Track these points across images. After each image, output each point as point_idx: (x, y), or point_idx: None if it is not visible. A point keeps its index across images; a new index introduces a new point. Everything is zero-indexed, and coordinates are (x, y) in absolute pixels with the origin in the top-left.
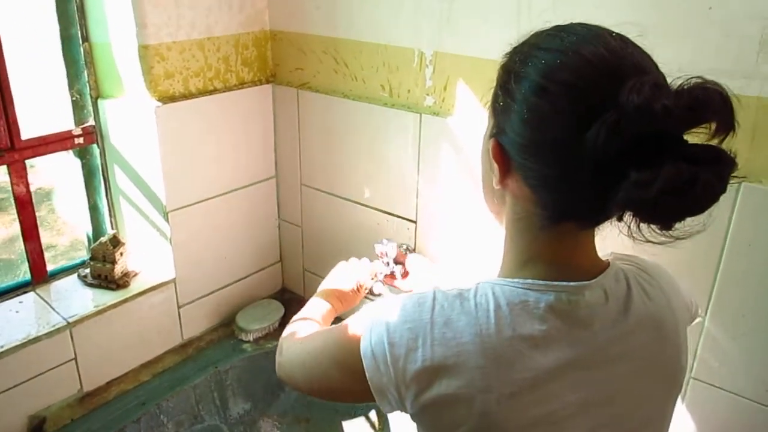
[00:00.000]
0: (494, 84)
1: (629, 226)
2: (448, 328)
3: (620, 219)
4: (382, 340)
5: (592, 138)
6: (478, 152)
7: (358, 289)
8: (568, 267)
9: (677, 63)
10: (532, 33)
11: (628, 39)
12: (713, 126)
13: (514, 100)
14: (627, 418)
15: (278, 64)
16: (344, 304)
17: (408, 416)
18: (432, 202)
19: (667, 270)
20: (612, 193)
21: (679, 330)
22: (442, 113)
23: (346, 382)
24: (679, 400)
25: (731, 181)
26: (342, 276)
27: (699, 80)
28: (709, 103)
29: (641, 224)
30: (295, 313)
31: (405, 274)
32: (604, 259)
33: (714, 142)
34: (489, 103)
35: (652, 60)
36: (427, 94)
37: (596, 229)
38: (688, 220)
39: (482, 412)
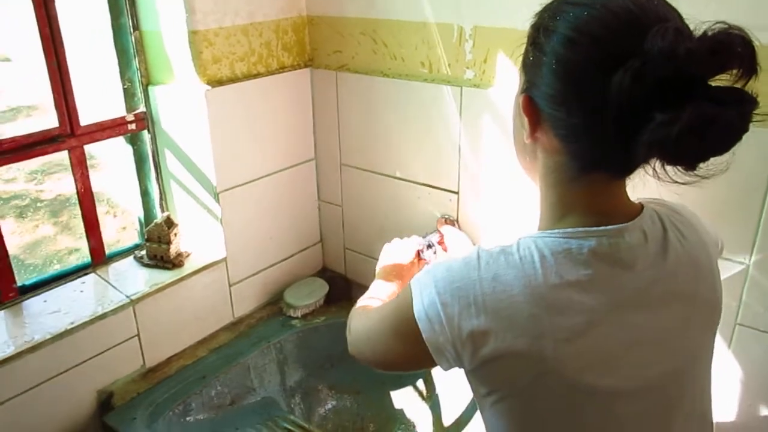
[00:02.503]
0: (526, 42)
1: (655, 169)
2: (497, 282)
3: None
4: (434, 301)
5: (617, 83)
6: None
7: (417, 258)
8: (604, 214)
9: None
10: None
11: None
12: (735, 72)
13: (544, 53)
14: (674, 356)
15: (316, 48)
16: (405, 279)
17: (460, 378)
18: (474, 172)
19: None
20: (638, 136)
21: (713, 265)
22: (482, 85)
23: (407, 350)
24: (725, 345)
25: (754, 119)
26: (394, 253)
27: (723, 25)
28: (732, 46)
29: (667, 167)
30: (338, 289)
31: (444, 248)
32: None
33: (738, 85)
34: (521, 62)
35: (677, 12)
36: (467, 68)
37: (627, 179)
38: (712, 160)
39: (539, 358)
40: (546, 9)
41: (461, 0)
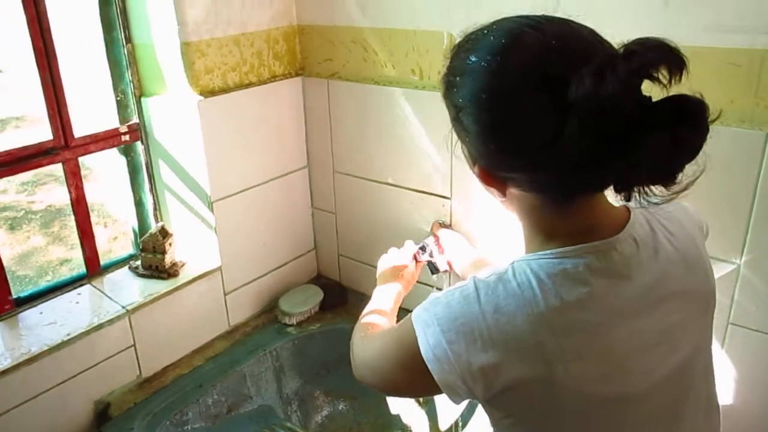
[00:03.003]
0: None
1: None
2: (500, 314)
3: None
4: (440, 341)
5: (568, 133)
6: None
7: (415, 261)
8: (591, 229)
9: (702, 24)
10: (450, 55)
11: (543, 23)
12: (665, 72)
13: (470, 125)
14: (679, 351)
15: (307, 57)
16: (406, 279)
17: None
18: (466, 177)
19: None
20: (606, 174)
21: (702, 254)
22: None
23: (414, 381)
24: (718, 345)
25: (710, 120)
26: (391, 258)
27: (633, 41)
28: (649, 53)
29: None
30: (333, 296)
31: (441, 250)
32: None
33: (675, 89)
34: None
35: (589, 35)
36: None
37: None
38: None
39: (552, 382)
40: (450, 66)
41: (451, 7)
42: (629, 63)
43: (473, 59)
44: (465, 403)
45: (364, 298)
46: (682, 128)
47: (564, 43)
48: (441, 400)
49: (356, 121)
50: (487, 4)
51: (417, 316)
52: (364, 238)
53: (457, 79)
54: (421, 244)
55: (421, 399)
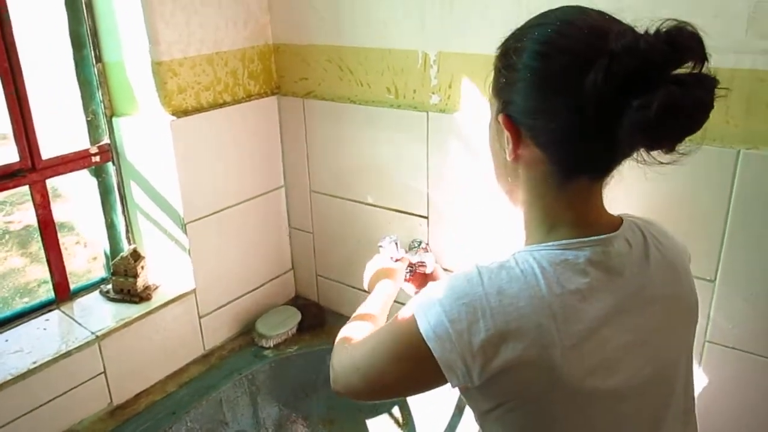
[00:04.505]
0: (493, 73)
1: (637, 159)
2: (503, 296)
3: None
4: (442, 320)
5: (590, 82)
6: (485, 143)
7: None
8: (590, 224)
9: None
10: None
11: (604, 12)
12: (690, 64)
13: (517, 71)
14: (662, 355)
15: (282, 76)
16: (396, 278)
17: (435, 403)
18: (443, 196)
19: None
20: (618, 125)
21: (687, 269)
22: (448, 110)
23: (408, 373)
24: (696, 363)
25: (717, 95)
26: (377, 262)
27: (672, 22)
28: (683, 37)
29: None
30: (311, 317)
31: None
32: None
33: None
34: (490, 89)
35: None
36: (433, 93)
37: (604, 189)
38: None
39: (548, 367)
40: (510, 37)
41: (426, 26)
42: (665, 38)
43: (545, 19)
44: (446, 424)
45: (342, 319)
46: (699, 90)
47: (609, 20)
48: (420, 420)
49: (333, 140)
50: (462, 24)
51: (417, 302)
52: (342, 258)
53: (526, 30)
54: (393, 241)
55: (400, 420)
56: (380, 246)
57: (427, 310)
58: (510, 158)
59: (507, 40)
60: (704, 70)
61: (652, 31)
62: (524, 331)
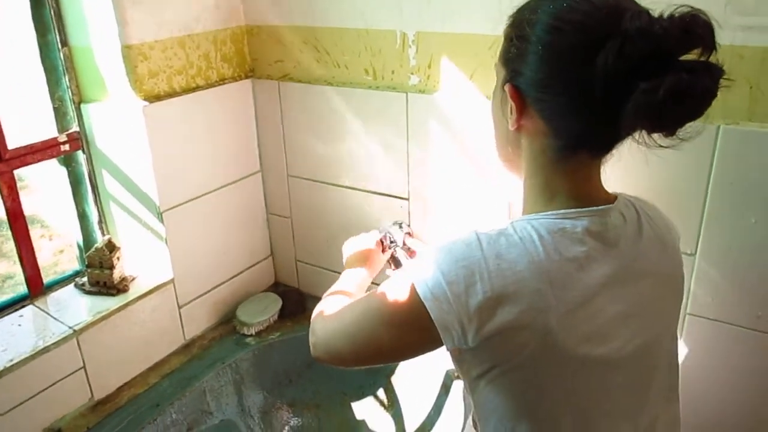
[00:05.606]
0: (503, 42)
1: (637, 140)
2: (502, 260)
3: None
4: (440, 281)
5: (602, 61)
6: (465, 123)
7: (382, 245)
8: (588, 196)
9: None
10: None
11: None
12: (698, 51)
13: (529, 42)
14: (653, 326)
15: (256, 59)
16: (372, 264)
17: (420, 385)
18: (423, 177)
19: None
20: (624, 105)
21: (677, 246)
22: (428, 90)
23: (401, 335)
24: (678, 335)
25: (721, 85)
26: (357, 243)
27: (686, 8)
28: (696, 25)
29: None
30: (292, 303)
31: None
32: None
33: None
34: (498, 57)
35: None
36: (412, 74)
37: (602, 164)
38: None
39: (544, 331)
40: (523, 8)
41: (403, 6)
42: (679, 23)
43: (554, 1)
44: (431, 404)
45: None
46: (705, 79)
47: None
48: (406, 401)
49: (309, 123)
50: (441, 4)
51: (413, 265)
52: (322, 243)
53: (540, 3)
54: (385, 232)
55: (386, 402)
56: (386, 232)
57: (424, 273)
58: (512, 128)
59: (521, 10)
60: (711, 58)
61: (666, 15)
62: (521, 295)
